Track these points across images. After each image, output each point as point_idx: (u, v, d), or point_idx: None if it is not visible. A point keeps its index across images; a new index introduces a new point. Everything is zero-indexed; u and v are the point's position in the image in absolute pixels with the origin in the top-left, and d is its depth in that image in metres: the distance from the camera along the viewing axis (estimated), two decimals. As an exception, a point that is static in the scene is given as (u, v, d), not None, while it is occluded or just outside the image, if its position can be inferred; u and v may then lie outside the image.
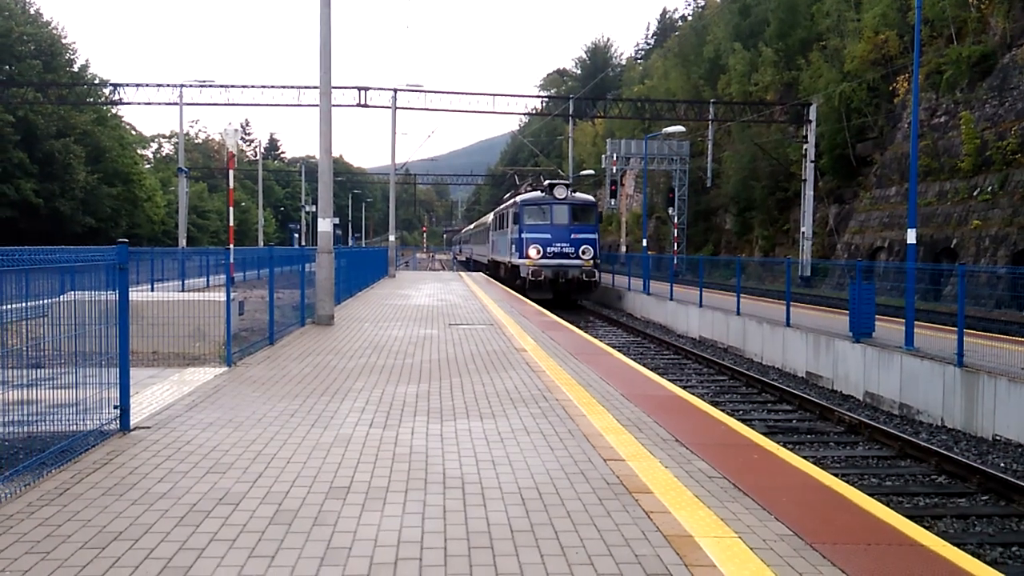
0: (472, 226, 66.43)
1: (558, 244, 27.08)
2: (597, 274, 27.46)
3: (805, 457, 7.67)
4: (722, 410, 9.02)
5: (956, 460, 8.96)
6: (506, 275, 31.21)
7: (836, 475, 6.38)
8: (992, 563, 6.49)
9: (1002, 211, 26.29)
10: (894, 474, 8.94)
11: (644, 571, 3.82)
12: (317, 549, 4.01)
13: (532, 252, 26.90)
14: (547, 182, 29.51)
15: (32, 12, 55.54)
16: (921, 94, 30.77)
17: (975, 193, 28.06)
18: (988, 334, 14.72)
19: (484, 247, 45.11)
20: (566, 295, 27.61)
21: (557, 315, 18.22)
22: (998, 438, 10.12)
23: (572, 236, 27.21)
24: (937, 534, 4.86)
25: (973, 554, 6.41)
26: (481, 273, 42.79)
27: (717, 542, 4.17)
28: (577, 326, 16.42)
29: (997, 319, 19.86)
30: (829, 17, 43.47)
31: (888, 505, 5.30)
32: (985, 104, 29.86)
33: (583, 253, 26.98)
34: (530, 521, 4.46)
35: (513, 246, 28.88)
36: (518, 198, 29.91)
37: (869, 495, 5.24)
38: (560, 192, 28.07)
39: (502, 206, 36.74)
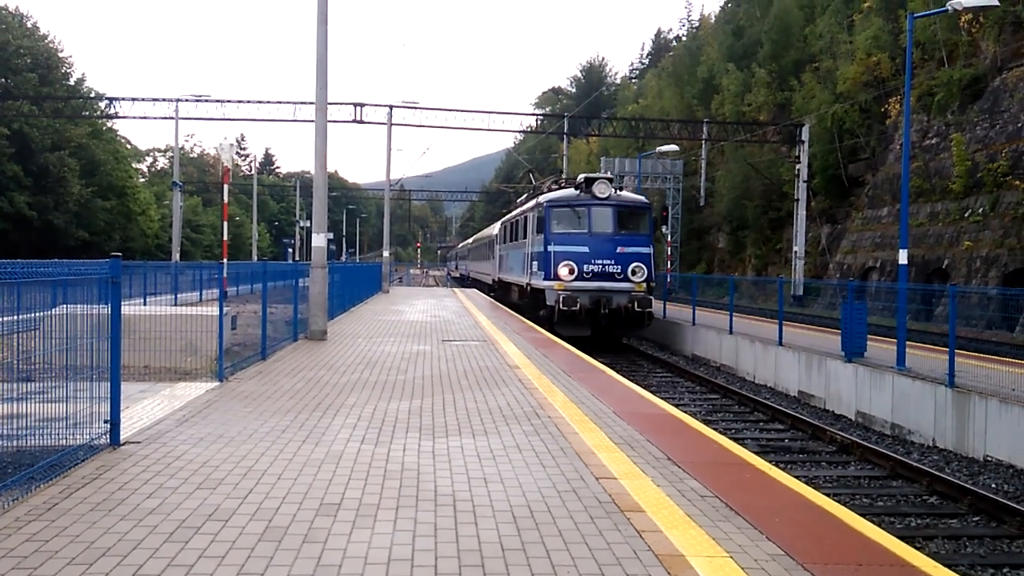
0: (471, 240, 59.42)
1: (599, 261, 20.13)
2: (652, 302, 20.36)
3: (797, 476, 7.66)
4: (715, 429, 9.00)
5: (947, 480, 8.98)
6: (523, 301, 24.12)
7: (828, 495, 6.37)
8: (983, 584, 6.49)
9: (993, 232, 26.47)
10: (886, 494, 8.95)
11: (635, 590, 3.81)
12: (307, 566, 3.99)
13: (563, 271, 19.96)
14: (582, 176, 22.31)
15: (29, 25, 55.80)
16: (913, 116, 31.00)
17: (966, 214, 28.26)
18: (979, 355, 14.78)
19: (487, 264, 36.95)
20: (609, 331, 20.73)
21: (566, 341, 18.15)
22: (989, 458, 10.14)
23: (618, 250, 20.25)
24: (928, 555, 4.85)
25: (964, 575, 6.41)
26: (475, 289, 41.37)
27: (709, 562, 4.16)
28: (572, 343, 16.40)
29: (988, 340, 19.96)
30: (822, 39, 43.89)
31: (879, 525, 5.30)
32: (976, 126, 30.14)
33: (634, 274, 20.03)
34: (521, 539, 4.44)
35: (534, 263, 21.92)
36: (542, 198, 22.49)
37: (861, 515, 5.24)
38: (602, 190, 20.69)
39: (516, 211, 28.49)
